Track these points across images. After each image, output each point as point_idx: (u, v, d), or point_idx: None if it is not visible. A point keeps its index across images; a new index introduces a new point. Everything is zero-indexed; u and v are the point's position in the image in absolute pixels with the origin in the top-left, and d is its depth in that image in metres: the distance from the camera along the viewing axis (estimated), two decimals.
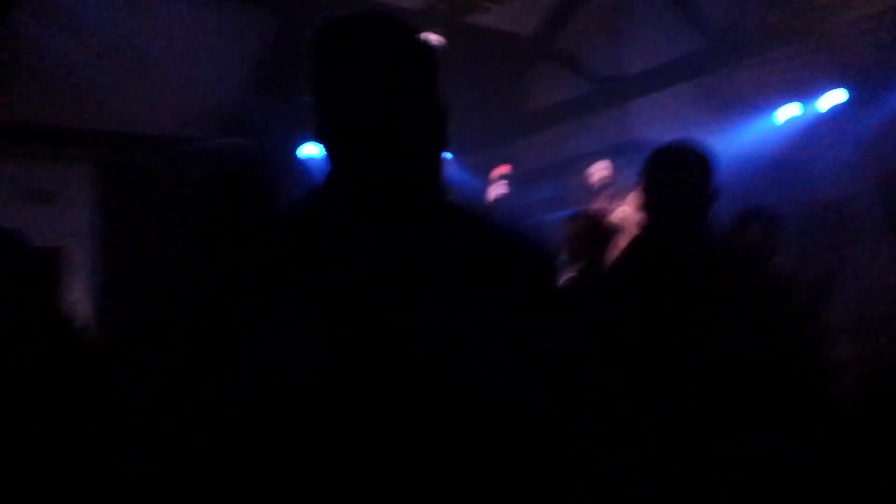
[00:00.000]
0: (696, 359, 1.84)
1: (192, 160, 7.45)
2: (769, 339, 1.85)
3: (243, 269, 1.17)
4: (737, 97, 8.39)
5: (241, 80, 7.54)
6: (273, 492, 1.07)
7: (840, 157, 8.35)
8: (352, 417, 1.05)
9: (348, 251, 1.16)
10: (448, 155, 5.84)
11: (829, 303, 4.41)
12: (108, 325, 6.73)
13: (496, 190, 6.23)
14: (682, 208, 2.16)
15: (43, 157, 7.14)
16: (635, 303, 2.07)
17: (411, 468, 1.06)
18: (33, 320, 1.98)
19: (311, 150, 8.03)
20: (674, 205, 2.17)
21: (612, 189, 6.39)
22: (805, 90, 8.12)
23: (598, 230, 3.81)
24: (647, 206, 2.26)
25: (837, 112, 8.11)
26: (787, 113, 8.37)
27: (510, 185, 6.32)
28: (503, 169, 6.32)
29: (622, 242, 4.38)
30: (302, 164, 8.09)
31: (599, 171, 6.49)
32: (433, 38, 6.15)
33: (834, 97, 8.05)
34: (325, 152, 1.29)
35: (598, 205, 6.44)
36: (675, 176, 2.22)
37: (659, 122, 8.69)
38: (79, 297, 7.05)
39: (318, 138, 1.31)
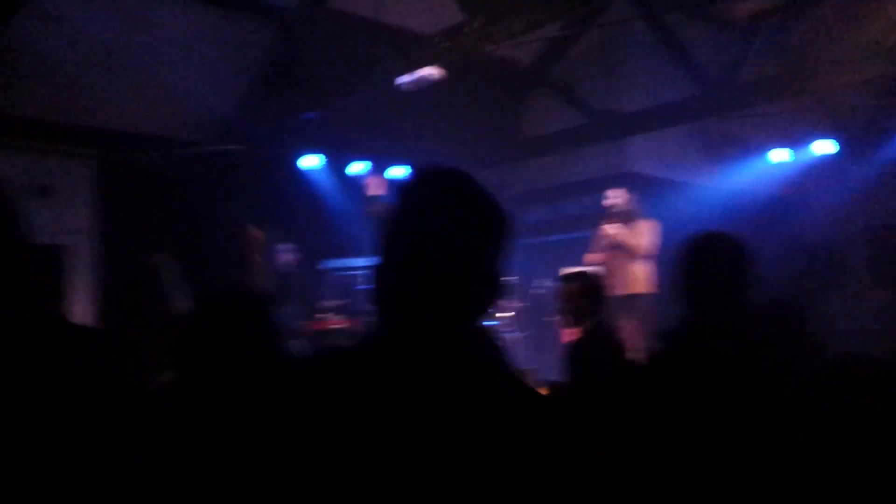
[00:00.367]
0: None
1: (190, 163, 7.48)
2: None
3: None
4: (730, 139, 8.56)
5: (241, 88, 7.59)
6: None
7: (828, 203, 8.54)
8: None
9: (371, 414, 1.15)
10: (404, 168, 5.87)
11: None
12: (109, 320, 6.74)
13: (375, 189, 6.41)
14: (721, 298, 2.12)
15: (44, 152, 7.13)
16: (676, 396, 2.01)
17: None
18: (38, 316, 1.99)
19: (310, 162, 8.09)
20: (713, 295, 2.12)
21: (622, 215, 6.52)
22: (797, 138, 8.31)
23: (594, 289, 3.85)
24: (686, 296, 2.17)
25: (827, 160, 8.29)
26: (779, 156, 8.54)
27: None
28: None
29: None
30: (301, 175, 8.15)
31: (614, 197, 6.64)
32: (435, 72, 6.25)
33: (824, 146, 8.24)
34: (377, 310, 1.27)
35: (608, 228, 6.55)
36: (715, 267, 2.15)
37: (653, 157, 8.85)
38: (81, 294, 7.07)
39: (373, 298, 1.28)
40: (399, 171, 8.43)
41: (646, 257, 6.47)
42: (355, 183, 8.33)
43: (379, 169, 8.37)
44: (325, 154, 8.10)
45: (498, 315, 7.17)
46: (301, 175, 8.22)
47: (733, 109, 7.79)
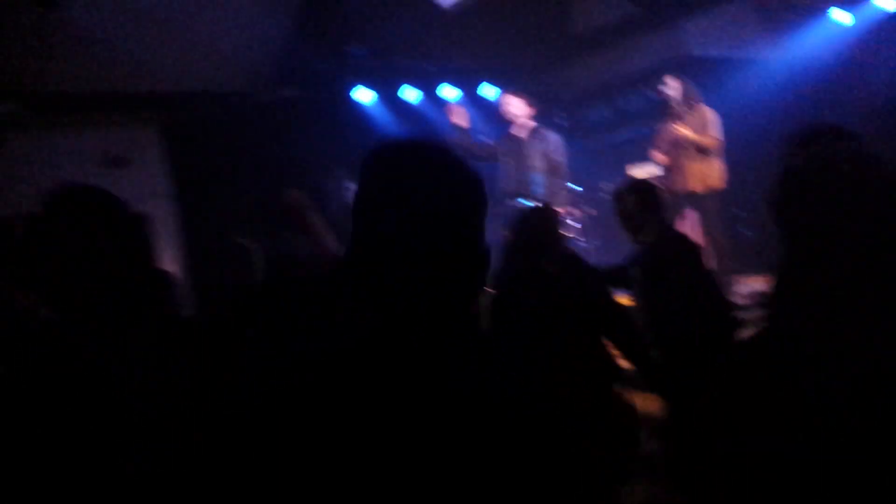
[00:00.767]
0: None
1: (248, 114, 7.65)
2: None
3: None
4: (787, 4, 8.16)
5: (286, 32, 7.64)
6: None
7: None
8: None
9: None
10: (496, 90, 5.77)
11: None
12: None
13: (458, 119, 6.34)
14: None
15: (113, 123, 7.44)
16: None
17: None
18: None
19: (363, 96, 8.17)
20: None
21: (681, 106, 6.35)
22: None
23: (650, 197, 3.60)
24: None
25: (892, 16, 7.83)
26: (841, 16, 8.11)
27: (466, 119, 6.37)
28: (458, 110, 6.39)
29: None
30: (356, 109, 8.24)
31: (668, 89, 6.46)
32: None
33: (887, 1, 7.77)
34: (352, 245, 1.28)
35: (669, 124, 6.39)
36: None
37: (710, 38, 8.53)
38: (168, 257, 7.45)
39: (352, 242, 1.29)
40: (452, 93, 8.44)
41: (712, 151, 6.25)
42: (412, 109, 8.39)
43: (431, 92, 8.39)
44: (377, 86, 8.15)
45: (568, 224, 7.20)
46: (357, 111, 8.31)
47: None
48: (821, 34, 8.23)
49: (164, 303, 2.02)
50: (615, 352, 3.48)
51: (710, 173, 6.23)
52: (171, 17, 6.79)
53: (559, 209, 6.19)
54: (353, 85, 8.10)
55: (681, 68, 8.66)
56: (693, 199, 6.36)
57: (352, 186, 6.86)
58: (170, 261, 7.53)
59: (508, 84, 8.85)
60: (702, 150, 6.20)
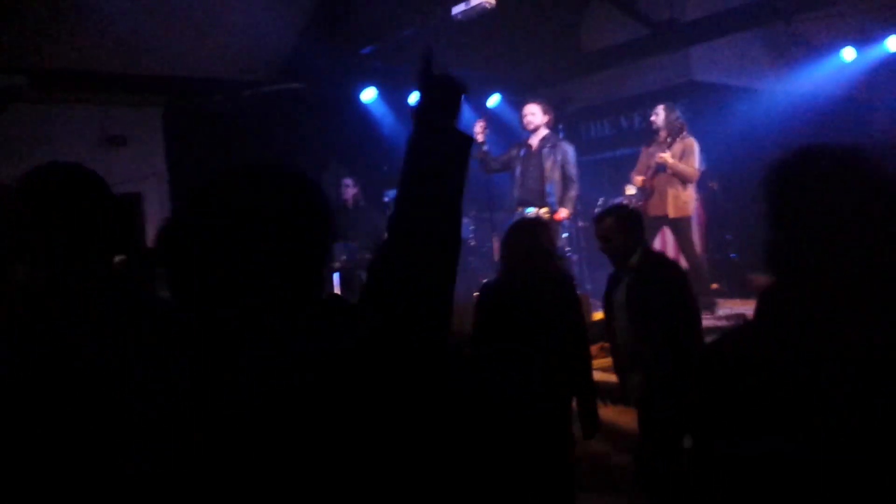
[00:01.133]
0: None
1: (253, 103, 7.66)
2: None
3: None
4: (797, 39, 8.23)
5: (298, 26, 7.67)
6: None
7: None
8: None
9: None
10: (498, 97, 5.81)
11: None
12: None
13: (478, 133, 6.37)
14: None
15: (117, 103, 7.44)
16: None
17: None
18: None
19: (368, 96, 8.19)
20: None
21: (667, 134, 6.44)
22: (867, 35, 7.93)
23: (629, 221, 3.63)
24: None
25: None
26: (850, 55, 8.18)
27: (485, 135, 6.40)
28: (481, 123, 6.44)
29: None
30: (361, 110, 8.26)
31: (656, 115, 6.56)
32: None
33: None
34: None
35: (652, 149, 6.53)
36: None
37: (717, 64, 8.60)
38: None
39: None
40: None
41: (690, 179, 6.40)
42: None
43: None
44: (382, 87, 8.17)
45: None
46: (361, 110, 8.33)
47: (802, 11, 7.45)
48: (827, 69, 8.30)
49: (140, 285, 1.99)
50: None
51: (685, 200, 6.40)
52: (182, 1, 6.82)
53: (565, 218, 6.25)
54: (360, 85, 8.11)
55: (685, 92, 8.75)
56: (667, 223, 6.52)
57: (349, 183, 6.88)
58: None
59: (514, 94, 8.91)
60: (680, 178, 6.36)
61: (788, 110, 7.97)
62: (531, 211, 6.18)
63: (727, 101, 8.40)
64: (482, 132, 6.33)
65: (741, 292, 6.86)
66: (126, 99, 7.46)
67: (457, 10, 6.49)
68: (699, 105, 8.75)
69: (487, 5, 6.30)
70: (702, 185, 7.39)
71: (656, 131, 6.57)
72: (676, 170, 6.33)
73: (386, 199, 7.79)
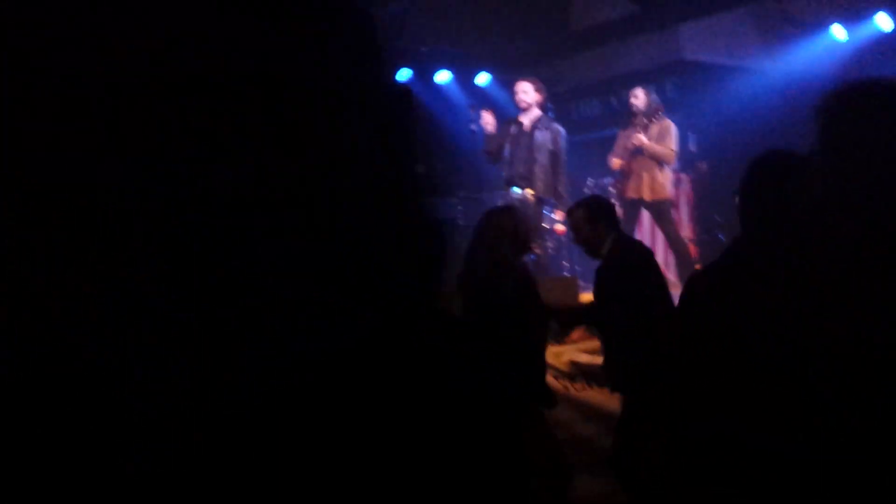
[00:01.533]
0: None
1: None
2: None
3: None
4: (787, 17, 8.15)
5: None
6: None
7: None
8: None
9: None
10: (488, 76, 5.75)
11: None
12: None
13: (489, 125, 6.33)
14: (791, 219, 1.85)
15: None
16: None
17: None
18: None
19: (443, 77, 8.11)
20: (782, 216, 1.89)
21: (645, 116, 6.41)
22: (858, 12, 7.86)
23: (600, 211, 3.70)
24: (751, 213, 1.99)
25: (891, 36, 7.85)
26: (841, 33, 8.12)
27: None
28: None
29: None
30: (437, 91, 8.20)
31: (635, 97, 6.51)
32: None
33: (887, 21, 7.78)
34: None
35: (630, 132, 6.49)
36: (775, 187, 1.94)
37: (707, 43, 8.53)
38: None
39: None
40: (443, 77, 8.40)
41: (667, 161, 6.39)
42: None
43: (424, 75, 8.35)
44: None
45: (549, 216, 7.19)
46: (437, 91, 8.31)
47: None
48: (818, 48, 8.23)
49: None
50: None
51: (661, 182, 6.38)
52: None
53: (559, 200, 6.20)
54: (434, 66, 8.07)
55: (675, 71, 8.68)
56: (645, 206, 6.49)
57: None
58: None
59: (502, 72, 8.82)
60: (656, 160, 6.35)
61: (779, 89, 7.90)
62: (517, 191, 6.13)
63: (717, 80, 8.33)
64: (490, 123, 6.26)
65: None
66: None
67: None
68: (689, 84, 8.68)
69: None
70: (690, 165, 7.35)
71: (635, 114, 6.52)
72: (652, 152, 6.32)
73: None
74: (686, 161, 7.16)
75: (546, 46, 9.11)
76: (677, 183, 6.87)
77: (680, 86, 8.84)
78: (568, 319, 3.98)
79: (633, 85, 7.26)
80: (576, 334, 5.01)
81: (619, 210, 4.95)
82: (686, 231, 6.89)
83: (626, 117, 6.74)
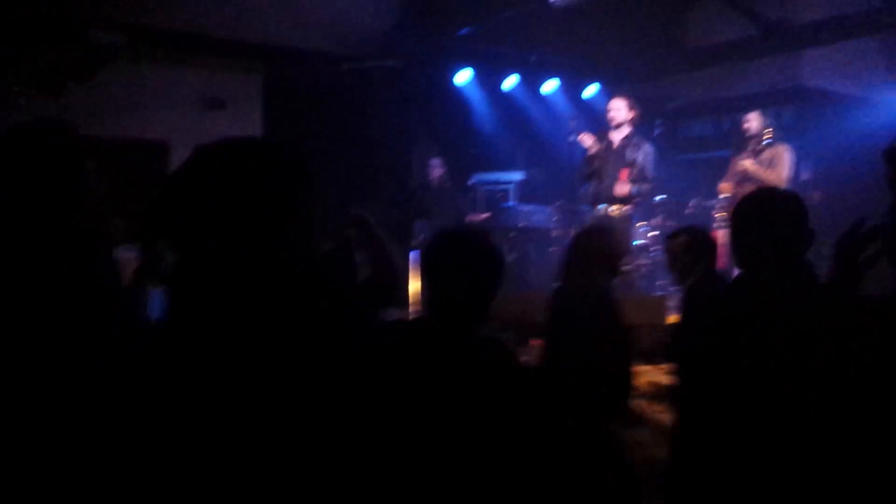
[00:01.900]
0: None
1: (350, 78, 7.73)
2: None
3: None
4: None
5: (397, 4, 7.70)
6: None
7: None
8: None
9: None
10: (597, 86, 5.74)
11: None
12: None
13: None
14: (774, 253, 2.05)
15: (217, 67, 7.61)
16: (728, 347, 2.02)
17: None
18: None
19: (463, 77, 8.15)
20: (766, 249, 2.06)
21: (758, 141, 6.22)
22: None
23: (699, 243, 3.65)
24: (739, 252, 2.14)
25: None
26: None
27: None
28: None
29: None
30: (454, 91, 8.23)
31: (749, 121, 6.33)
32: None
33: None
34: None
35: (741, 159, 6.32)
36: (766, 221, 2.10)
37: (828, 71, 8.20)
38: None
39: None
40: (551, 86, 8.38)
41: (780, 188, 6.16)
42: (508, 97, 8.37)
43: (531, 83, 8.34)
44: (476, 69, 8.11)
45: (643, 233, 7.04)
46: (454, 90, 8.30)
47: None
48: None
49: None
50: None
51: None
52: None
53: (623, 195, 6.09)
54: (455, 66, 8.08)
55: (794, 97, 8.38)
56: None
57: (437, 164, 6.90)
58: None
59: (612, 86, 8.72)
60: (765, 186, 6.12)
61: None
62: (603, 207, 6.07)
63: (838, 108, 8.01)
64: (593, 144, 6.22)
65: None
66: (226, 64, 7.62)
67: None
68: (807, 111, 8.37)
69: None
70: (803, 194, 7.08)
71: (747, 138, 6.34)
72: (760, 178, 6.13)
73: (470, 183, 7.77)
74: (798, 189, 6.91)
75: (660, 63, 8.95)
76: None
77: (798, 112, 8.53)
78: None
79: (747, 107, 7.06)
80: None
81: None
82: None
83: (739, 141, 6.55)
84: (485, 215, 7.67)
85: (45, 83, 6.27)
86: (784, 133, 6.58)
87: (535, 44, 7.89)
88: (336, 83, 7.76)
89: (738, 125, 6.66)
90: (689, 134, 9.60)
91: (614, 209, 6.06)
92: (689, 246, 3.59)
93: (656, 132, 7.50)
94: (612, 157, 6.15)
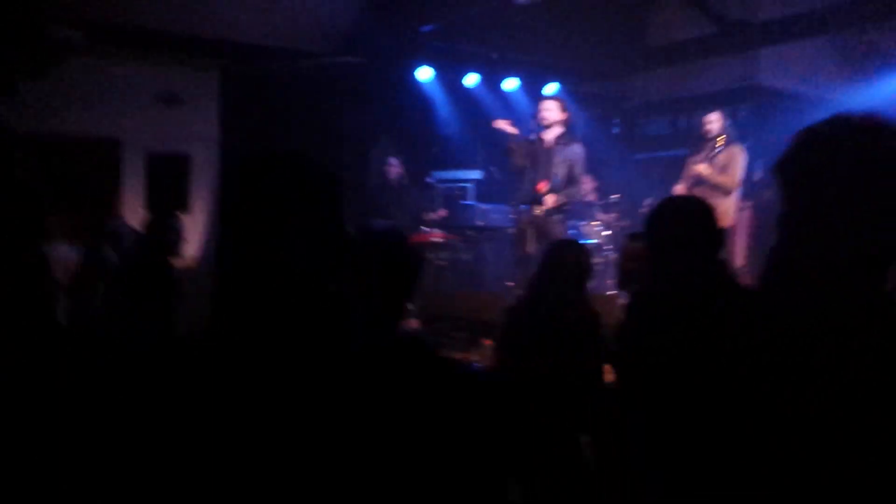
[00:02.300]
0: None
1: (309, 74, 7.69)
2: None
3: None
4: (872, 51, 7.90)
5: (359, 1, 7.68)
6: None
7: None
8: None
9: None
10: (557, 85, 5.79)
11: None
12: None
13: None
14: (685, 258, 2.19)
15: (173, 62, 7.54)
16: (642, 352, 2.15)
17: None
18: None
19: (424, 74, 8.15)
20: (677, 255, 2.20)
21: (715, 142, 6.31)
22: None
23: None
24: (652, 258, 2.29)
25: None
26: None
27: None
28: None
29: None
30: (415, 88, 8.22)
31: (709, 122, 6.41)
32: None
33: None
34: None
35: (695, 162, 6.41)
36: (677, 228, 2.23)
37: (786, 70, 8.32)
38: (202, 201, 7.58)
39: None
40: (511, 84, 8.42)
41: (729, 190, 6.31)
42: (469, 94, 8.38)
43: (492, 80, 8.36)
44: (438, 66, 8.12)
45: (597, 232, 7.10)
46: (415, 88, 8.30)
47: (878, 19, 7.15)
48: None
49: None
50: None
51: (723, 210, 6.19)
52: None
53: (551, 206, 6.14)
54: (417, 63, 8.08)
55: (750, 96, 8.49)
56: None
57: (394, 163, 6.90)
58: (202, 204, 7.63)
59: (572, 84, 8.77)
60: (718, 189, 6.26)
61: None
62: (537, 207, 6.13)
63: (793, 108, 8.11)
64: (511, 128, 6.28)
65: None
66: (184, 59, 7.55)
67: None
68: (762, 110, 8.48)
69: None
70: (756, 192, 7.18)
71: (706, 140, 6.43)
72: (714, 181, 6.25)
73: (429, 180, 7.77)
74: (750, 188, 7.01)
75: (620, 61, 9.02)
76: (738, 210, 6.73)
77: (754, 111, 8.65)
78: None
79: (704, 106, 7.16)
80: None
81: None
82: (739, 259, 6.73)
83: (696, 142, 6.62)
84: (442, 213, 7.68)
85: None
86: (739, 132, 6.67)
87: (497, 42, 7.91)
88: (295, 80, 7.72)
89: (695, 124, 6.75)
90: (646, 133, 9.70)
91: (539, 209, 6.11)
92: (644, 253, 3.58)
93: (614, 131, 7.57)
94: (542, 157, 6.19)
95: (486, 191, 8.05)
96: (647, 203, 7.15)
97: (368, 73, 7.82)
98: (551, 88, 8.66)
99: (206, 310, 1.27)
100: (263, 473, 1.16)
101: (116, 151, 7.12)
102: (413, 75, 8.13)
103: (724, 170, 6.29)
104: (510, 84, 8.49)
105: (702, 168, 6.31)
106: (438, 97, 8.32)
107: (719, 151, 6.31)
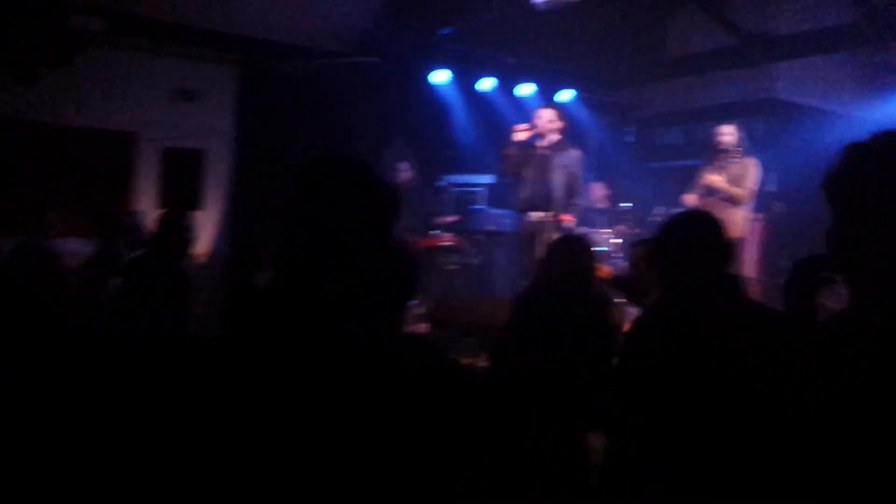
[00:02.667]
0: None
1: (326, 73, 7.72)
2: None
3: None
4: (890, 69, 7.87)
5: (378, 2, 7.70)
6: None
7: None
8: None
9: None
10: (572, 92, 5.76)
11: None
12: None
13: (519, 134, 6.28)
14: (697, 271, 2.24)
15: (192, 57, 7.57)
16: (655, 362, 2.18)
17: None
18: None
19: (440, 77, 8.16)
20: (689, 268, 2.26)
21: (729, 154, 6.29)
22: None
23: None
24: (665, 271, 2.35)
25: None
26: None
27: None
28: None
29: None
30: (430, 90, 8.23)
31: (723, 134, 6.38)
32: None
33: None
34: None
35: (707, 172, 6.39)
36: (689, 241, 2.30)
37: (802, 85, 8.30)
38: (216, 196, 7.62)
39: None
40: (527, 89, 8.42)
41: (742, 202, 6.27)
42: (484, 98, 8.39)
43: (507, 85, 8.37)
44: (454, 70, 8.12)
45: (608, 240, 7.09)
46: (430, 90, 8.30)
47: None
48: None
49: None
50: None
51: (735, 221, 6.15)
52: None
53: (570, 222, 6.15)
54: (434, 66, 8.09)
55: (766, 109, 8.46)
56: None
57: (404, 167, 6.90)
58: (215, 200, 7.67)
59: (587, 92, 8.77)
60: (730, 200, 6.24)
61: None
62: (535, 215, 6.13)
63: (807, 122, 8.10)
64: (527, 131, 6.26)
65: None
66: (202, 54, 7.58)
67: None
68: (778, 123, 8.46)
69: None
70: (767, 205, 7.16)
71: (720, 151, 6.40)
72: (726, 193, 6.24)
73: (440, 184, 7.78)
74: (763, 201, 6.98)
75: (637, 70, 9.02)
76: (750, 222, 6.71)
77: (769, 124, 8.62)
78: None
79: (720, 117, 7.13)
80: None
81: None
82: (751, 271, 6.70)
83: (710, 153, 6.59)
84: (453, 218, 7.68)
85: (20, 69, 6.23)
86: (753, 144, 6.65)
87: (514, 47, 7.92)
88: (311, 79, 7.74)
89: (709, 135, 6.72)
90: (660, 142, 9.68)
91: (547, 216, 6.12)
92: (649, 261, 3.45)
93: (628, 139, 7.56)
94: (540, 164, 6.18)
95: (497, 196, 8.05)
96: (657, 212, 7.14)
97: (384, 74, 7.84)
98: (566, 95, 8.66)
99: (215, 305, 1.28)
100: (264, 472, 1.18)
101: (132, 144, 7.16)
102: (428, 78, 8.15)
103: (737, 181, 6.26)
104: (525, 89, 8.49)
105: (715, 178, 6.29)
106: (453, 100, 8.33)
107: (735, 161, 6.29)
